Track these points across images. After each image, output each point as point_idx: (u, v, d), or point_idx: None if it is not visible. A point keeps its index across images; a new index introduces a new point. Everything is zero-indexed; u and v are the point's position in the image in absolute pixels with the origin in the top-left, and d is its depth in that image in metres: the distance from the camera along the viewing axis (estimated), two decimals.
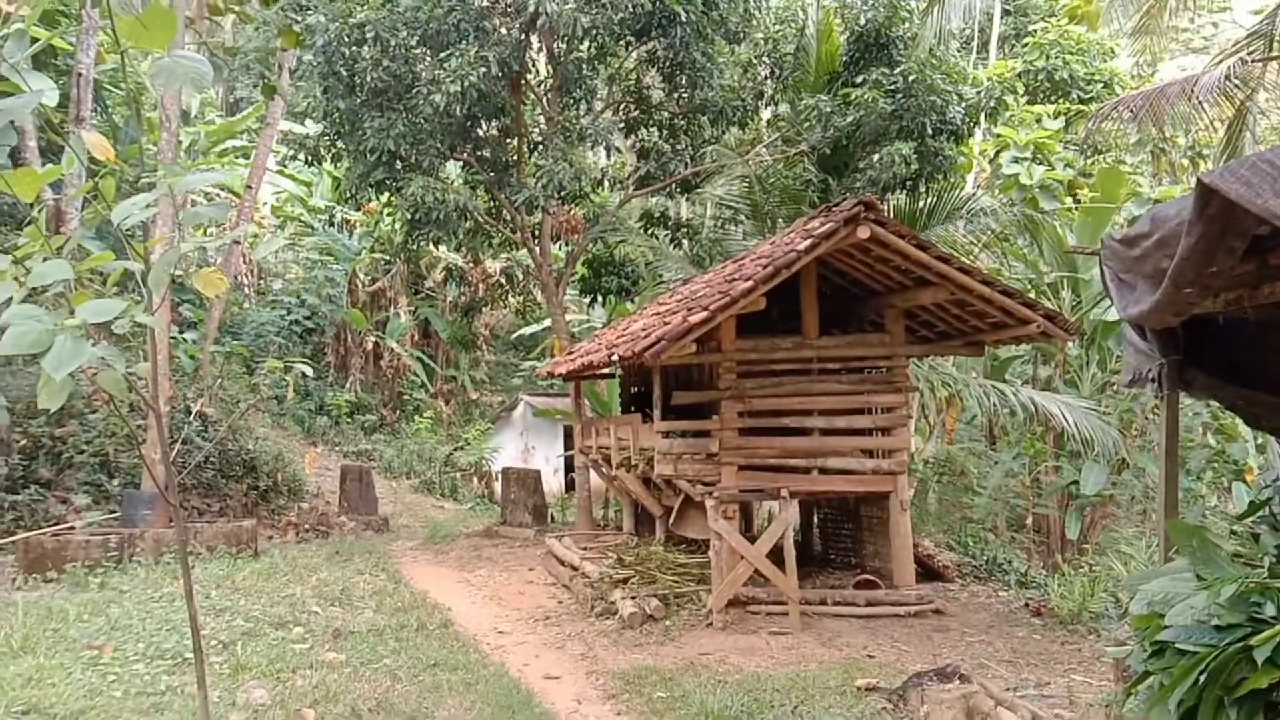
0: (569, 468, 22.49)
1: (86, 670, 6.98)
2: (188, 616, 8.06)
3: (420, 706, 6.62)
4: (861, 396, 10.65)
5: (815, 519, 13.20)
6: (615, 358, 10.48)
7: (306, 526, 15.75)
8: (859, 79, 15.86)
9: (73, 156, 4.89)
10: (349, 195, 16.99)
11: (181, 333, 18.73)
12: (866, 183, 15.45)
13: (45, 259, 4.05)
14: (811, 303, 10.57)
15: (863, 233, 9.34)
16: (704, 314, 9.17)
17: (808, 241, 9.39)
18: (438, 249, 22.75)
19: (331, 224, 22.62)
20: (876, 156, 15.59)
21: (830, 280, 11.19)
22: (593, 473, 15.64)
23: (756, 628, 9.28)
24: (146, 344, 12.65)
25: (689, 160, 17.37)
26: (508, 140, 17.17)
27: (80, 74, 15.58)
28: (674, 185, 17.99)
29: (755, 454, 10.39)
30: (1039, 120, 23.20)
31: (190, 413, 15.39)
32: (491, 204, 17.62)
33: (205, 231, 18.27)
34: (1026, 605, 10.72)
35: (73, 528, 12.20)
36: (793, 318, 10.59)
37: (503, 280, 19.68)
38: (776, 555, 9.55)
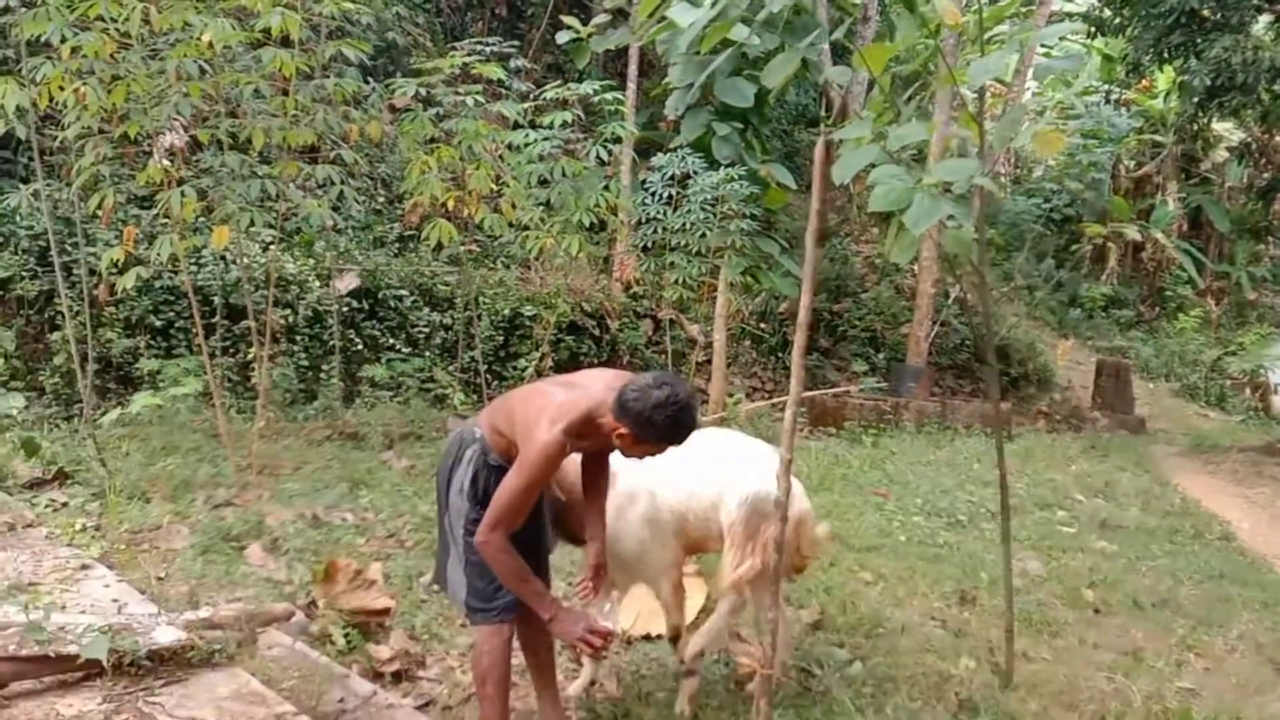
0: None
1: (874, 513, 7.80)
2: (956, 483, 8.54)
3: (1209, 614, 6.06)
4: None
5: None
6: None
7: (1058, 417, 15.47)
8: None
9: (907, 32, 5.24)
10: (1131, 67, 15.64)
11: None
12: None
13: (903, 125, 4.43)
14: None
15: None
16: None
17: None
18: (1230, 120, 19.81)
19: (1108, 101, 21.15)
20: None
21: None
22: None
23: None
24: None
25: None
26: None
27: None
28: None
29: None
30: None
31: (949, 297, 16.02)
32: None
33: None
34: None
35: (849, 391, 13.70)
36: None
37: None
38: None
